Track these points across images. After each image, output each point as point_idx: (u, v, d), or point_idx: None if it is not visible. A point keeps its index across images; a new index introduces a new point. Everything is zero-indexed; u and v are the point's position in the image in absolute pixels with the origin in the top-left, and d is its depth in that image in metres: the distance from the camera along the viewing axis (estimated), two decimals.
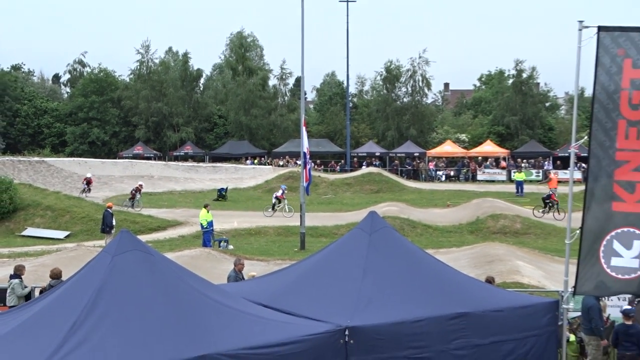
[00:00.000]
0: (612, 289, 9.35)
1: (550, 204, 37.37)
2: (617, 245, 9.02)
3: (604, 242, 8.99)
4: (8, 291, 15.32)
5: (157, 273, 7.16)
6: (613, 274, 9.08)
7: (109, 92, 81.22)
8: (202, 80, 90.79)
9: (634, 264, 9.03)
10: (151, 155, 73.98)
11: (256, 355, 6.77)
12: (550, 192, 38.50)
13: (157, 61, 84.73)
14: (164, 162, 66.75)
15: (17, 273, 15.57)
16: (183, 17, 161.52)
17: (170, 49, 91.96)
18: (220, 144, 79.80)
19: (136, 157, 70.09)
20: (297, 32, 29.83)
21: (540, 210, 37.06)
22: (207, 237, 27.39)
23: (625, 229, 8.99)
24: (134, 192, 40.57)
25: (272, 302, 8.26)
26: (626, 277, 9.07)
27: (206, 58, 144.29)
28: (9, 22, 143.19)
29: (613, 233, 8.99)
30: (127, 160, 65.65)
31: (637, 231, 8.97)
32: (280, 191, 41.62)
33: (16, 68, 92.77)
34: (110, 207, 29.96)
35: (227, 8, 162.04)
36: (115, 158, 69.36)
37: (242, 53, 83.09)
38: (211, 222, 27.87)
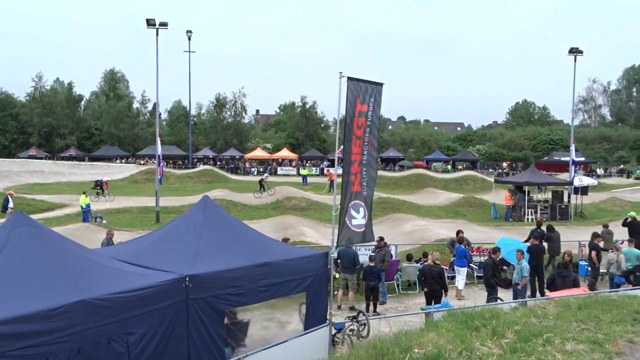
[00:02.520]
0: (354, 239, 9.89)
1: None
2: (353, 212, 9.56)
3: (348, 211, 9.48)
4: None
5: (43, 241, 6.56)
6: (354, 229, 9.61)
7: (8, 109, 74.53)
8: (83, 103, 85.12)
9: (362, 222, 9.70)
10: (43, 156, 67.98)
11: (121, 298, 6.42)
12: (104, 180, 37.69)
13: (48, 87, 78.48)
14: (53, 161, 61.51)
15: None
16: (69, 55, 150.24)
17: (57, 79, 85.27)
18: (97, 148, 75.85)
19: (31, 157, 64.19)
20: (155, 70, 29.15)
21: None
22: (86, 215, 25.68)
23: (355, 201, 9.59)
24: (262, 181, 38.24)
25: (134, 260, 7.86)
26: (359, 230, 9.69)
27: (87, 86, 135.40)
28: None
29: (351, 204, 9.52)
30: (23, 159, 59.76)
31: (359, 202, 9.64)
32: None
33: None
34: (11, 194, 27.19)
35: (104, 49, 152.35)
36: (13, 158, 62.88)
37: (113, 84, 79.19)
38: (88, 204, 26.16)
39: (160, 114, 41.90)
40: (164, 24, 29.91)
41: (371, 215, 10.12)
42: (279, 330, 9.58)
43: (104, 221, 25.42)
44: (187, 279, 7.24)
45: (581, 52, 34.44)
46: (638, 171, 60.17)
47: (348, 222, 9.55)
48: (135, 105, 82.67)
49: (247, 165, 65.00)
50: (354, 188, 9.63)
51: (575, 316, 7.64)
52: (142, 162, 66.07)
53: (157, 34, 29.42)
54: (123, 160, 67.99)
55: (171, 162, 66.63)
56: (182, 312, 7.22)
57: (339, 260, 13.98)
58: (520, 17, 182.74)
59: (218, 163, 66.80)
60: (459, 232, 17.10)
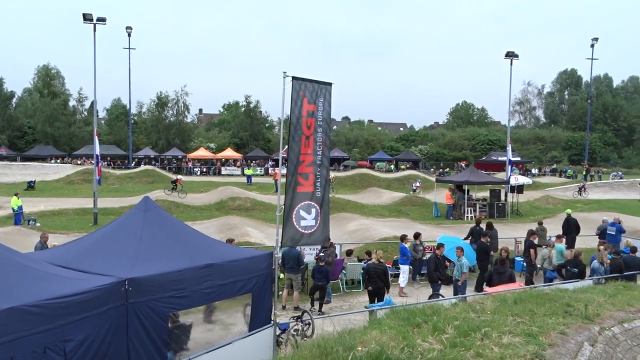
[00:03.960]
0: (302, 241, 9.89)
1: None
2: (302, 213, 9.57)
3: (295, 212, 9.48)
4: None
5: None
6: (302, 230, 9.62)
7: None
8: (14, 100, 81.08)
9: (312, 223, 9.71)
10: None
11: (56, 304, 6.17)
12: (177, 178, 39.46)
13: None
14: None
15: None
16: None
17: None
18: (30, 147, 72.31)
19: None
20: (92, 67, 28.32)
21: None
22: (18, 217, 24.57)
23: (306, 202, 9.60)
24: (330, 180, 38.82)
25: (70, 264, 7.58)
26: (309, 231, 9.70)
27: (19, 83, 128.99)
28: None
29: (299, 205, 9.53)
30: None
31: (311, 202, 9.65)
32: (418, 183, 44.38)
33: None
34: None
35: (38, 44, 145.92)
36: None
37: (48, 81, 75.60)
38: (21, 206, 25.00)
39: (98, 112, 40.72)
40: (102, 19, 28.93)
41: (327, 217, 10.10)
42: (224, 332, 9.48)
43: (38, 224, 24.39)
44: (126, 282, 7.05)
45: (517, 55, 35.83)
46: (569, 170, 63.21)
47: (295, 222, 9.55)
48: (72, 103, 79.64)
49: (190, 165, 63.88)
50: (304, 188, 9.62)
51: (512, 310, 7.96)
52: (79, 162, 63.75)
53: (94, 30, 28.48)
54: (58, 160, 65.29)
55: (109, 158, 64.63)
56: (121, 317, 7.02)
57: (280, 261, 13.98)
58: (461, 20, 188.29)
59: (160, 163, 65.33)
60: (417, 234, 17.35)
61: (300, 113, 9.29)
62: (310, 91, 9.38)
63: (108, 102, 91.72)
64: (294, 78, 9.08)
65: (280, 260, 12.69)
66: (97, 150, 27.79)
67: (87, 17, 28.64)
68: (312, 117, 9.48)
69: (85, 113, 79.71)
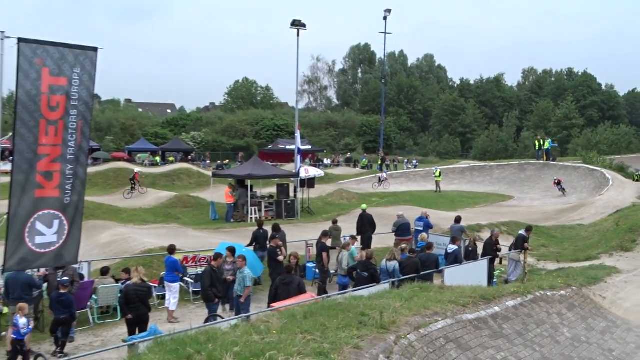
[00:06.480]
0: (35, 262, 9.26)
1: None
2: (40, 226, 8.97)
3: (29, 224, 8.85)
4: None
5: None
6: (37, 250, 9.01)
7: None
8: None
9: (54, 239, 9.15)
10: None
11: None
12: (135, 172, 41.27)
13: None
14: None
15: None
16: None
17: None
18: None
19: None
20: None
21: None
22: None
23: (47, 211, 9.02)
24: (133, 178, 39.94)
25: None
26: (47, 250, 9.12)
27: None
28: None
29: (36, 215, 8.91)
30: None
31: (56, 212, 9.09)
32: (385, 175, 49.47)
33: None
34: None
35: None
36: None
37: None
38: None
39: None
40: None
41: (77, 230, 9.52)
42: None
43: None
44: None
45: (304, 25, 37.91)
46: (364, 160, 69.08)
47: (28, 239, 8.86)
48: None
49: None
50: (45, 192, 8.97)
51: (301, 327, 8.46)
52: None
53: None
54: None
55: None
56: None
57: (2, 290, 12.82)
58: None
59: None
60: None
61: (38, 89, 8.65)
62: (55, 59, 8.74)
63: None
64: (20, 40, 8.41)
65: (2, 290, 11.68)
66: None
67: None
68: (61, 95, 8.86)
69: None
